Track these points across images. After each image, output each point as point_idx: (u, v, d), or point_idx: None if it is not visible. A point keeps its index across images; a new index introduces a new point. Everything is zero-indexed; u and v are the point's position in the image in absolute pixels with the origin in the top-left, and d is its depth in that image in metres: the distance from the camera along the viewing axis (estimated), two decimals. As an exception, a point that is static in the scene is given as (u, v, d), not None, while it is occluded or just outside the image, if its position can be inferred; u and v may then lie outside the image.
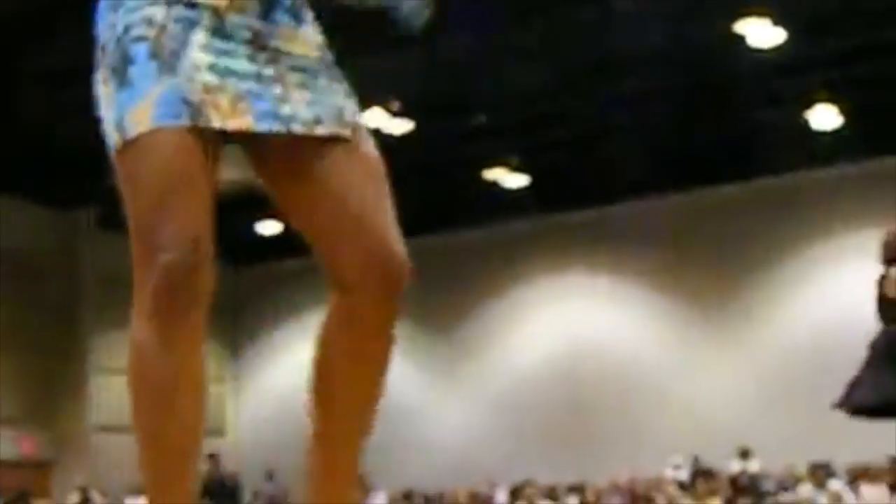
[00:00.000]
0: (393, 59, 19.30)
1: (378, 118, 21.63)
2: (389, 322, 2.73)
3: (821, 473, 17.99)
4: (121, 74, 2.56)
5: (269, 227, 27.40)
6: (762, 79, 20.80)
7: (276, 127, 2.57)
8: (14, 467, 24.97)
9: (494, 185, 25.45)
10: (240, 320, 30.20)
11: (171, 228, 2.46)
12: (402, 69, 19.82)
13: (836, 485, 17.73)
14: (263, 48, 2.62)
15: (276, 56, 2.63)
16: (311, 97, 2.63)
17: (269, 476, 26.40)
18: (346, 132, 2.66)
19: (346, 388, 2.77)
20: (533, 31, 19.32)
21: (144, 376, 2.52)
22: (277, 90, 2.59)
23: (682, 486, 18.87)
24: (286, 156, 2.64)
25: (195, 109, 2.52)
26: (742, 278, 24.71)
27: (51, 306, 26.21)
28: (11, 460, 25.23)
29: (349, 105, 2.71)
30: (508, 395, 27.07)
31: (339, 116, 2.66)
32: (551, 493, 20.25)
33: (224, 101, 2.54)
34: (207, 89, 2.53)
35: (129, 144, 2.52)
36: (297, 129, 2.59)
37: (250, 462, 26.82)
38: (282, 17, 2.67)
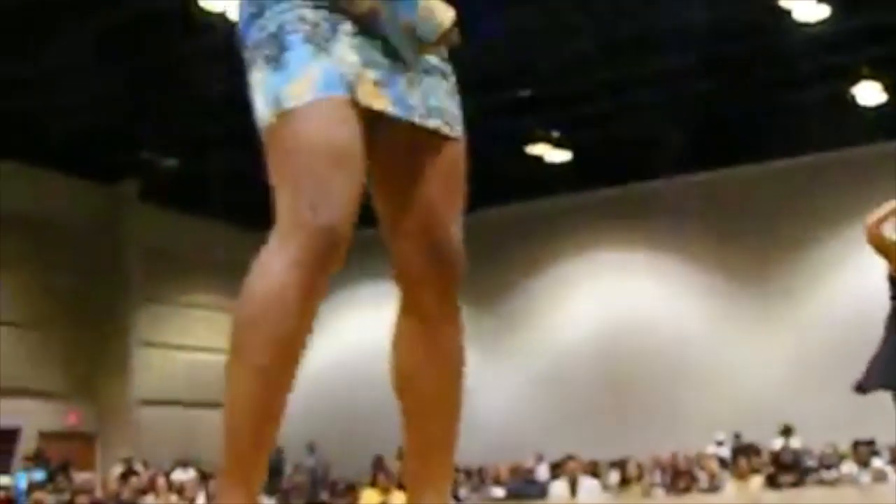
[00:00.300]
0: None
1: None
2: (454, 311, 3.00)
3: (864, 451, 17.87)
4: (276, 60, 2.74)
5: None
6: (807, 54, 20.64)
7: (405, 114, 2.80)
8: (59, 439, 25.18)
9: (537, 160, 25.40)
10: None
11: (336, 196, 2.63)
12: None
13: (879, 463, 17.64)
14: (394, 44, 2.83)
15: (404, 52, 2.84)
16: (427, 93, 2.87)
17: (311, 449, 26.52)
18: (449, 130, 2.90)
19: (428, 382, 3.04)
20: (576, 5, 19.25)
21: (278, 314, 2.61)
22: (403, 82, 2.81)
23: (724, 462, 18.81)
24: (395, 142, 2.84)
25: (350, 85, 2.71)
26: (783, 256, 24.60)
27: (95, 280, 26.36)
28: (57, 432, 25.44)
29: (458, 112, 2.96)
30: (551, 370, 27.09)
31: (447, 115, 2.91)
32: (593, 468, 20.22)
33: (368, 83, 2.74)
34: (355, 70, 2.74)
35: (286, 114, 2.68)
36: (416, 119, 2.82)
37: (291, 435, 26.93)
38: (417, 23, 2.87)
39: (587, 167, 25.48)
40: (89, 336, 26.05)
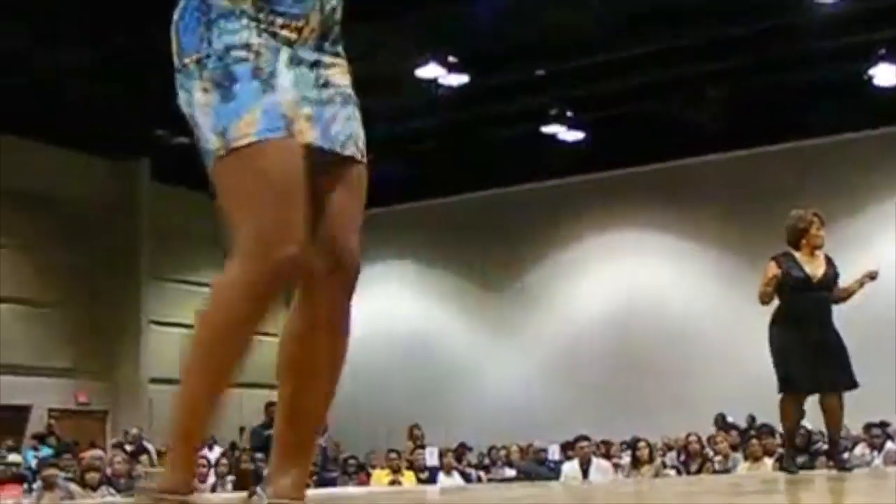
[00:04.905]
0: (449, 11, 19.22)
1: (434, 71, 21.57)
2: (346, 312, 3.27)
3: (878, 434, 17.83)
4: (225, 89, 3.04)
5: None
6: (824, 34, 20.50)
7: (329, 145, 3.15)
8: (70, 416, 25.22)
9: (551, 139, 25.32)
10: (295, 273, 30.28)
11: (289, 227, 2.99)
12: (457, 22, 19.73)
13: (892, 446, 17.57)
14: (320, 74, 3.19)
15: (327, 83, 3.20)
16: (343, 123, 3.21)
17: (322, 429, 26.52)
18: (359, 156, 3.25)
19: (310, 356, 3.29)
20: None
21: (233, 336, 3.07)
22: (328, 114, 3.16)
23: (736, 444, 18.75)
24: (316, 165, 3.12)
25: (289, 123, 3.05)
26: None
27: (107, 257, 26.37)
28: (68, 410, 25.48)
29: (362, 134, 3.28)
30: (563, 351, 27.04)
31: (357, 142, 3.24)
32: (605, 449, 20.17)
33: (302, 119, 3.09)
34: (293, 107, 3.07)
35: (236, 150, 3.01)
36: (337, 148, 3.17)
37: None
38: (329, 46, 3.26)
39: (602, 147, 25.40)
40: (101, 314, 26.06)
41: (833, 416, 10.02)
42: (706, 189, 25.66)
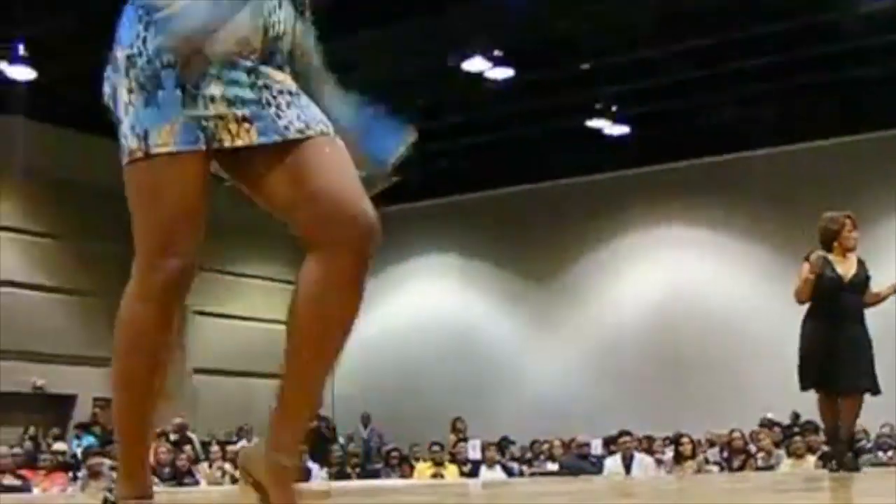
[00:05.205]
0: (494, 5, 19.20)
1: (480, 65, 21.57)
2: (361, 274, 3.16)
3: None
4: (148, 93, 3.13)
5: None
6: (869, 31, 20.37)
7: (276, 137, 3.15)
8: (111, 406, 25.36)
9: (596, 134, 25.27)
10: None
11: (186, 241, 3.26)
12: (503, 15, 19.71)
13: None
14: (258, 77, 3.19)
15: (268, 84, 3.20)
16: (298, 111, 3.21)
17: (366, 421, 26.58)
18: (328, 129, 3.24)
19: (311, 335, 3.22)
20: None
21: (140, 343, 3.34)
22: (271, 111, 3.16)
23: (779, 441, 18.69)
24: (274, 159, 3.18)
25: (209, 135, 3.12)
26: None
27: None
28: (110, 399, 25.63)
29: (324, 115, 3.28)
30: (606, 345, 26.99)
31: (321, 120, 3.24)
32: (648, 444, 20.14)
33: (233, 124, 3.13)
34: (219, 116, 3.12)
35: (151, 157, 3.14)
36: (291, 134, 3.17)
37: (346, 407, 26.97)
38: (275, 65, 3.27)
39: (646, 142, 25.34)
40: (146, 304, 26.17)
41: (848, 415, 10.05)
42: (751, 184, 25.52)
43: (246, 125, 3.13)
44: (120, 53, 3.20)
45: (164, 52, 3.11)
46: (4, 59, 20.65)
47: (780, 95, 23.20)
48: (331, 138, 3.24)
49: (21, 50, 20.51)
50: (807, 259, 10.19)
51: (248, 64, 3.18)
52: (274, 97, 3.19)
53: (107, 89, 3.28)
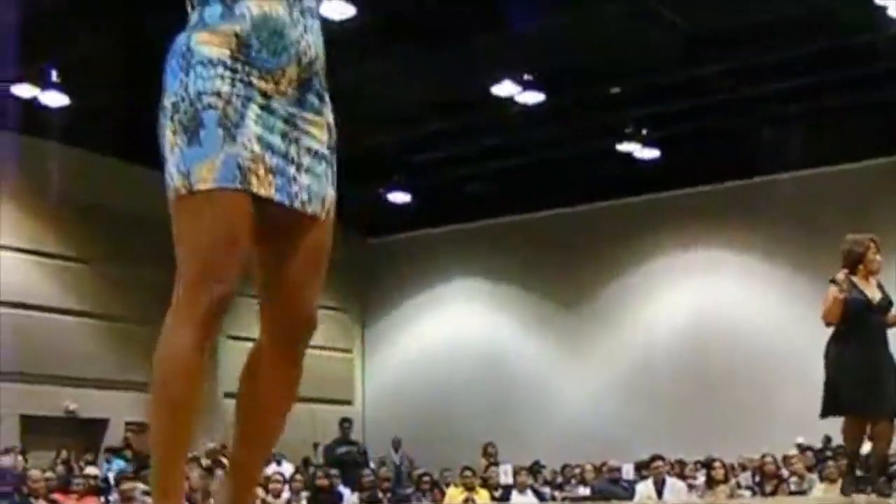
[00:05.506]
0: (524, 30, 19.22)
1: (510, 90, 21.60)
2: (300, 358, 3.66)
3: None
4: (192, 133, 3.29)
5: (400, 198, 27.47)
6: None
7: (287, 201, 3.36)
8: (145, 430, 25.41)
9: (627, 158, 25.23)
10: (370, 290, 30.38)
11: (227, 268, 3.30)
12: (533, 40, 19.74)
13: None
14: (294, 128, 3.40)
15: (299, 137, 3.41)
16: (310, 181, 3.42)
17: (396, 446, 26.57)
18: (323, 216, 3.49)
19: (260, 402, 3.86)
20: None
21: (184, 368, 3.38)
22: (292, 170, 3.37)
23: (812, 466, 18.60)
24: (276, 221, 3.40)
25: (244, 175, 3.28)
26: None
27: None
28: (144, 423, 25.66)
29: (331, 192, 3.52)
30: (637, 369, 26.92)
31: (323, 201, 3.47)
32: (680, 468, 20.08)
33: (262, 170, 3.31)
34: (254, 159, 3.29)
35: (196, 193, 3.27)
36: (297, 206, 3.39)
37: (377, 431, 26.99)
38: (312, 99, 3.46)
39: (677, 165, 25.29)
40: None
41: (880, 441, 10.02)
42: (781, 207, 25.43)
43: (270, 177, 3.33)
44: (167, 102, 3.37)
45: (204, 94, 3.28)
46: (38, 85, 20.81)
47: (809, 117, 23.11)
48: (319, 223, 3.48)
49: (54, 76, 20.67)
50: (833, 281, 10.18)
51: (288, 111, 3.39)
52: (298, 154, 3.40)
53: (159, 132, 3.45)
